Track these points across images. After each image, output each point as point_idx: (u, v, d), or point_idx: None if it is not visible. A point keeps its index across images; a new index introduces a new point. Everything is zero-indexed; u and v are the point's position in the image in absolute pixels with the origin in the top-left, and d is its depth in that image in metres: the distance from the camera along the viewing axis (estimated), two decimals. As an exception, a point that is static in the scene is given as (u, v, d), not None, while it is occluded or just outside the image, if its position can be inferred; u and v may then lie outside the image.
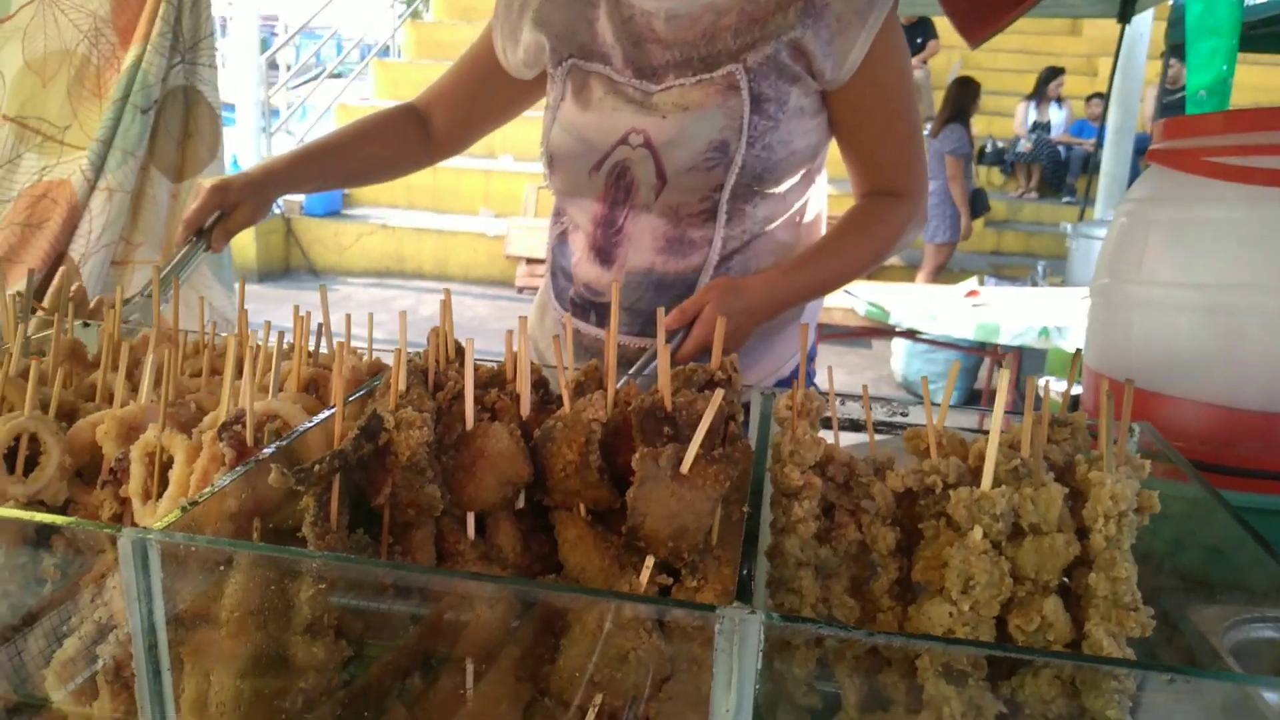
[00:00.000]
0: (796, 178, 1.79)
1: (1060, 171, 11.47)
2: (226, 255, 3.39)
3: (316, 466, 0.89)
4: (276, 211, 9.68)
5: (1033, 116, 11.45)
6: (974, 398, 6.49)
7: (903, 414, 1.14)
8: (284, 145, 10.83)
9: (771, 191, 1.75)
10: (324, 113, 11.36)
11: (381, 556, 0.98)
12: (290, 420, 1.01)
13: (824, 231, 1.95)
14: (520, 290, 9.49)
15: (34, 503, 1.01)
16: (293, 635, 0.88)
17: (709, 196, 1.74)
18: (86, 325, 1.26)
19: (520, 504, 1.07)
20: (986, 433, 0.97)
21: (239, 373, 1.03)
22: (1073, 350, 4.67)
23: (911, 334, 5.14)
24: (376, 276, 9.77)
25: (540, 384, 1.13)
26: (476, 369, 1.07)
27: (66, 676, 0.96)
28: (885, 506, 1.03)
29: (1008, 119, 11.72)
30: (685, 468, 0.95)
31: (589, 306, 1.90)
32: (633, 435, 1.04)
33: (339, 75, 12.24)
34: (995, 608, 0.95)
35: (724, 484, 0.95)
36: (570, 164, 1.84)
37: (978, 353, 5.69)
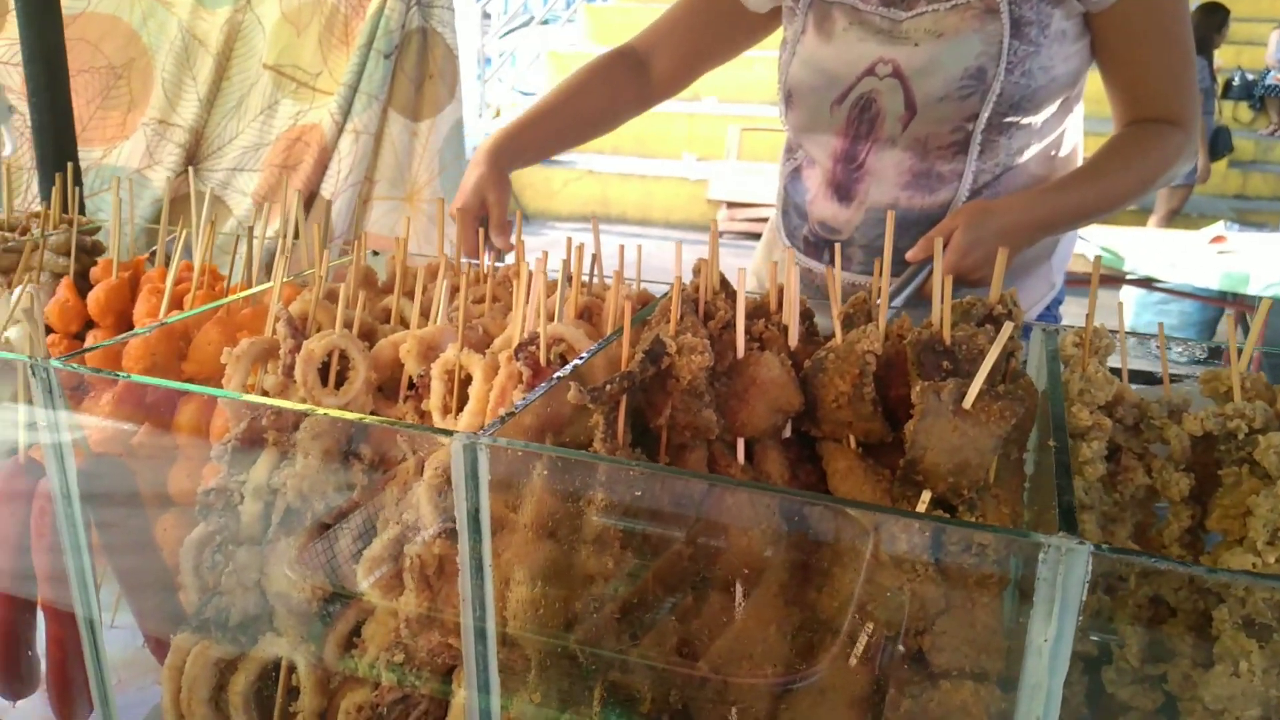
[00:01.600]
0: (1054, 106, 1.69)
1: (1320, 107, 10.32)
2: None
3: (608, 386, 0.93)
4: (489, 157, 10.02)
5: (1289, 45, 10.33)
6: (1211, 355, 6.02)
7: (1201, 356, 1.07)
8: (496, 93, 11.16)
9: (1028, 121, 1.67)
10: (534, 60, 11.62)
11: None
12: (574, 343, 1.06)
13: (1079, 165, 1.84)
14: (721, 234, 9.46)
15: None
16: (584, 544, 0.93)
17: (961, 127, 1.67)
18: (375, 254, 1.36)
19: (787, 434, 1.08)
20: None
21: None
22: (1336, 303, 4.24)
23: (1147, 283, 4.80)
24: (582, 221, 9.99)
25: (805, 315, 1.14)
26: (741, 300, 1.08)
27: (373, 571, 1.05)
28: (1180, 451, 0.98)
29: (1260, 48, 10.62)
30: (968, 403, 0.93)
31: (823, 245, 1.88)
32: (907, 368, 1.03)
33: (547, 22, 12.46)
34: (1307, 561, 0.89)
35: (1009, 421, 0.93)
36: (810, 99, 1.81)
37: (1219, 303, 5.26)
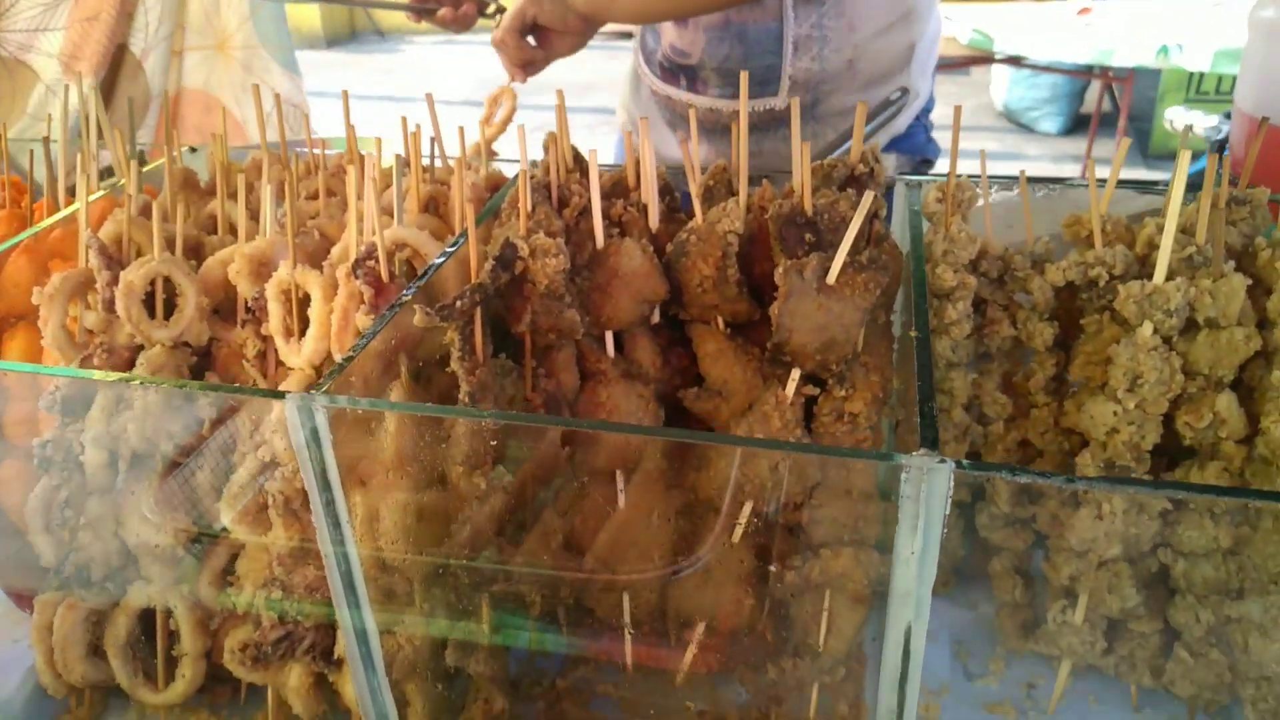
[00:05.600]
0: None
1: None
2: (284, 27, 3.19)
3: (458, 302, 0.87)
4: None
5: None
6: (1081, 122, 6.14)
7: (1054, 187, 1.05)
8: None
9: None
10: None
11: (525, 380, 0.97)
12: (419, 248, 0.99)
13: None
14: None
15: (179, 345, 1.02)
16: (453, 468, 0.90)
17: None
18: (193, 151, 1.23)
19: (655, 319, 1.04)
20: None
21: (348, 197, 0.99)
22: (1192, 70, 4.31)
23: (1016, 61, 4.79)
24: (445, 35, 9.43)
25: (664, 191, 1.08)
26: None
27: (238, 507, 1.00)
28: (1044, 301, 0.98)
29: None
30: (832, 278, 0.90)
31: (677, 70, 1.80)
32: (770, 243, 0.99)
33: None
34: (1163, 405, 0.91)
35: (874, 292, 0.91)
36: None
37: (1085, 76, 5.31)
